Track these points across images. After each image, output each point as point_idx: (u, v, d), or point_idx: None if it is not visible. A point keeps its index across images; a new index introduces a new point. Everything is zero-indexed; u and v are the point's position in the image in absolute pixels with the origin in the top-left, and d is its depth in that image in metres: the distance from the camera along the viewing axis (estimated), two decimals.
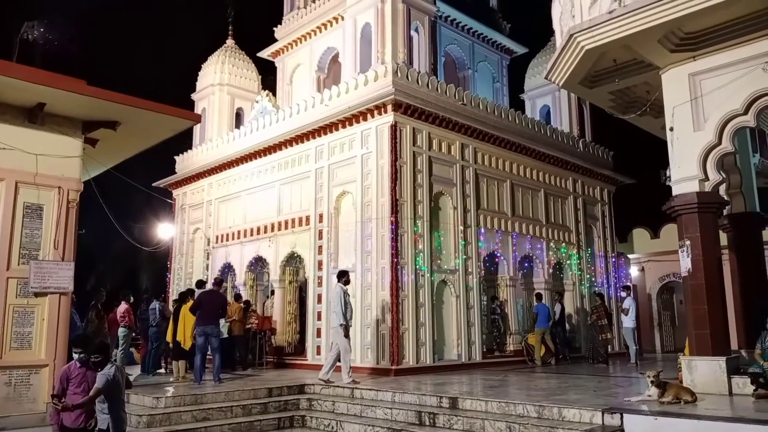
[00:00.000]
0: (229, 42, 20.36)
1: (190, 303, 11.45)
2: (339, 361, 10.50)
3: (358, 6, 14.65)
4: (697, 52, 7.81)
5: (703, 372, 7.62)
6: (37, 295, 7.82)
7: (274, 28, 19.70)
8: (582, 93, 9.76)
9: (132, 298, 13.66)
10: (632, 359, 14.66)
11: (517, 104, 19.69)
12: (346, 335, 10.51)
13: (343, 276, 10.82)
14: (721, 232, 8.78)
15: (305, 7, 18.86)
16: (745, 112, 7.48)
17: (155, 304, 12.93)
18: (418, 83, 13.54)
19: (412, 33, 14.41)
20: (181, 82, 22.43)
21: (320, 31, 18.05)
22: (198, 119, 10.09)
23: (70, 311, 8.55)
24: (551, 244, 16.74)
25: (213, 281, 13.21)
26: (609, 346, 15.60)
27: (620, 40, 7.56)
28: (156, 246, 16.42)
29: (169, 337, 11.95)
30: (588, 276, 17.89)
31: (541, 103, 19.69)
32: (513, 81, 20.00)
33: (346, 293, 10.58)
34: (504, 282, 15.63)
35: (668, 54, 7.86)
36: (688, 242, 7.86)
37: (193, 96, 20.18)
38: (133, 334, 13.89)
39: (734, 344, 8.83)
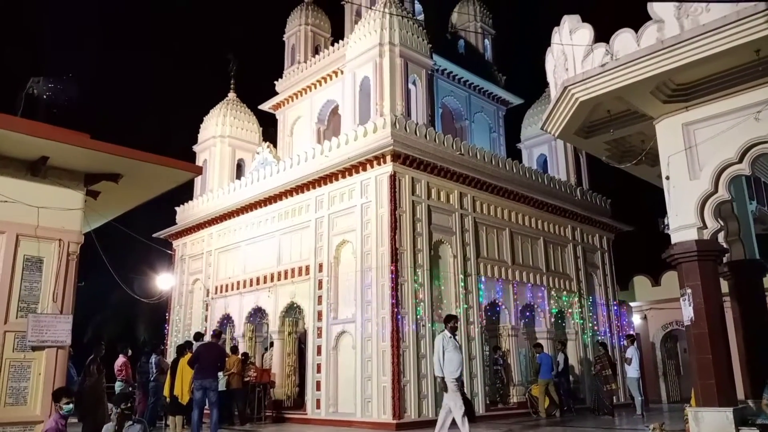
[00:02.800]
0: (231, 95, 20.77)
1: (188, 356, 11.30)
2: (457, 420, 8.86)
3: (357, 60, 15.02)
4: (690, 102, 7.96)
5: (710, 423, 7.46)
6: (34, 349, 7.71)
7: (275, 82, 20.17)
8: (578, 143, 9.90)
9: (130, 351, 13.49)
10: (638, 410, 14.37)
11: (514, 153, 19.95)
12: (446, 389, 8.85)
13: (449, 321, 9.30)
14: (721, 279, 8.76)
15: (305, 62, 19.36)
16: (740, 161, 7.57)
17: (153, 358, 12.76)
18: (416, 134, 13.75)
19: (410, 86, 14.73)
20: (183, 134, 22.79)
21: (320, 85, 18.47)
22: (199, 171, 10.18)
23: (67, 365, 8.43)
24: (552, 292, 16.65)
25: (211, 333, 13.07)
26: (614, 397, 15.31)
27: (613, 92, 7.72)
28: (155, 298, 16.31)
29: (166, 392, 11.73)
30: (590, 325, 17.71)
31: (538, 152, 19.93)
32: (509, 131, 20.35)
33: (448, 341, 8.98)
34: (506, 331, 15.47)
35: (661, 105, 8.02)
36: (689, 290, 7.83)
37: (195, 148, 20.45)
38: (130, 389, 13.64)
39: (740, 394, 8.67)
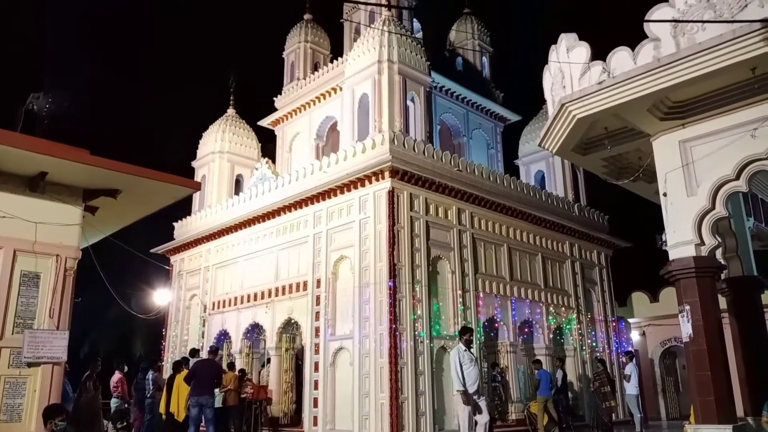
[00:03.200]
0: (230, 111, 20.86)
1: (184, 372, 11.22)
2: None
3: (356, 77, 15.12)
4: (686, 120, 8.01)
5: None
6: (30, 365, 7.65)
7: (275, 98, 20.27)
8: (575, 159, 9.93)
9: (126, 367, 13.40)
10: (637, 428, 14.26)
11: (512, 170, 20.03)
12: (467, 403, 8.58)
13: (464, 334, 9.10)
14: (720, 296, 8.75)
15: (305, 78, 19.47)
16: (737, 178, 7.60)
17: (150, 374, 12.67)
18: (414, 150, 13.80)
19: (408, 103, 14.81)
20: (182, 149, 22.84)
21: (319, 101, 18.56)
22: (198, 187, 10.19)
23: (63, 381, 8.36)
24: (551, 308, 16.62)
25: (208, 349, 13.00)
26: (613, 414, 15.20)
27: (610, 110, 7.77)
28: (152, 314, 16.23)
29: (162, 408, 11.64)
30: (589, 341, 17.66)
31: (536, 169, 20.01)
32: (507, 147, 20.45)
33: (463, 354, 8.77)
34: (504, 348, 15.40)
35: (658, 122, 8.06)
36: (687, 307, 7.82)
37: (194, 163, 20.49)
38: (126, 405, 13.53)
39: (740, 411, 8.63)
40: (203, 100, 31.45)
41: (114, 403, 12.61)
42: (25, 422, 7.56)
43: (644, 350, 21.46)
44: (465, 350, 8.84)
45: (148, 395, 12.40)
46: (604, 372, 15.09)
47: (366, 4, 17.56)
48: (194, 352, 13.21)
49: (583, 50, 8.07)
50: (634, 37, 7.53)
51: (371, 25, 15.81)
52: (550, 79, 9.01)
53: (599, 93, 7.63)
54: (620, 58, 7.59)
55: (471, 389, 8.62)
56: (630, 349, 19.00)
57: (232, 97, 21.09)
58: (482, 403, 8.79)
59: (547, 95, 9.33)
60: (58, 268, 8.04)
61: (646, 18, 7.38)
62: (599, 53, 7.90)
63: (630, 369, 14.64)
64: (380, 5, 16.04)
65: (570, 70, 8.12)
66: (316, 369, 13.62)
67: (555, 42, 8.64)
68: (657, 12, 7.32)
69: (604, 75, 7.63)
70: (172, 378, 11.56)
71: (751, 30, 6.35)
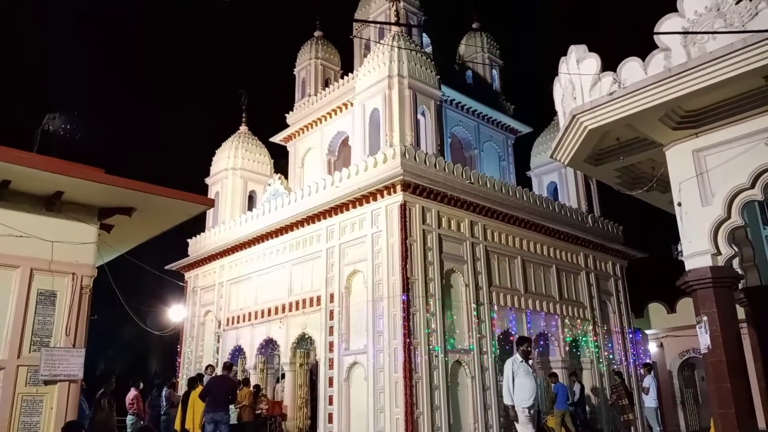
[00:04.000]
0: (243, 128, 21.05)
1: (199, 389, 11.24)
2: None
3: (366, 93, 15.21)
4: (699, 129, 7.94)
5: None
6: (46, 383, 7.72)
7: (286, 114, 20.44)
8: (588, 170, 9.88)
9: (142, 384, 13.45)
10: None
11: (524, 181, 19.98)
12: (516, 419, 8.21)
13: (522, 344, 8.57)
14: (738, 306, 8.62)
15: (316, 94, 19.63)
16: (752, 186, 7.51)
17: (165, 391, 12.71)
18: (425, 164, 13.82)
19: (419, 116, 14.86)
20: (196, 166, 23.07)
21: (330, 117, 18.69)
22: (211, 204, 10.28)
23: (79, 399, 8.42)
24: (566, 320, 16.47)
25: (223, 365, 13.02)
26: (632, 428, 14.99)
27: (622, 120, 7.73)
28: (167, 330, 16.31)
29: (177, 425, 11.65)
30: (605, 353, 17.46)
31: (548, 180, 19.93)
32: (519, 159, 20.42)
33: (519, 365, 8.30)
34: None
35: (670, 131, 8.01)
36: (705, 318, 7.71)
37: (207, 180, 20.66)
38: (141, 422, 13.56)
39: (761, 423, 8.47)
40: (216, 117, 31.80)
41: (130, 420, 12.65)
42: None
43: (662, 362, 21.15)
44: (521, 361, 8.30)
45: (163, 412, 12.43)
46: (621, 384, 14.91)
47: (375, 23, 17.73)
48: (209, 369, 13.23)
49: (593, 61, 8.06)
50: (645, 47, 7.52)
51: (381, 41, 15.93)
52: (560, 91, 9.00)
53: (611, 104, 7.60)
54: (631, 68, 7.57)
55: (526, 403, 8.05)
56: (648, 360, 18.76)
57: (244, 114, 21.30)
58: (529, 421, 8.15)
59: (558, 107, 9.31)
60: (74, 287, 8.11)
61: (655, 29, 7.36)
62: (609, 63, 7.89)
63: (648, 381, 14.45)
64: (389, 24, 16.18)
65: (580, 82, 8.11)
66: (331, 384, 13.58)
67: (565, 53, 8.64)
68: (667, 22, 7.30)
69: (615, 86, 7.61)
70: (187, 395, 11.59)
71: (763, 38, 6.31)
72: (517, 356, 8.40)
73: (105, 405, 10.42)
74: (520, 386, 8.14)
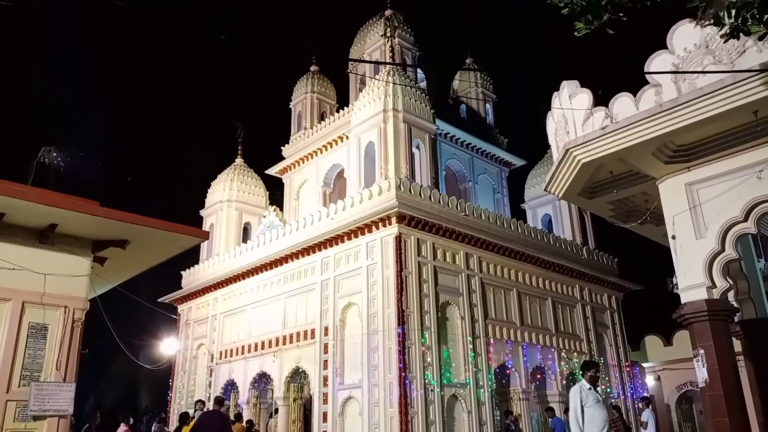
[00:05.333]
0: (238, 160, 21.14)
1: (192, 423, 11.03)
2: None
3: (362, 126, 15.35)
4: (692, 162, 8.02)
5: None
6: (35, 418, 7.56)
7: (282, 147, 20.58)
8: (582, 203, 9.92)
9: (132, 419, 13.19)
10: None
11: (519, 213, 20.05)
12: None
13: (588, 369, 7.82)
14: (734, 339, 8.59)
15: (312, 128, 19.80)
16: (745, 219, 7.55)
17: (155, 426, 12.47)
18: (420, 196, 13.87)
19: (414, 150, 14.98)
20: (191, 198, 23.06)
21: (326, 150, 18.82)
22: (206, 236, 10.24)
23: None
24: (562, 353, 16.34)
25: (214, 400, 12.80)
26: None
27: (615, 154, 7.81)
28: (159, 364, 16.08)
29: None
30: (603, 387, 17.27)
31: (542, 212, 20.01)
32: (513, 191, 20.54)
33: (587, 393, 7.58)
34: (516, 395, 15.09)
35: (663, 165, 8.08)
36: (702, 351, 7.67)
37: (202, 212, 20.65)
38: None
39: None
40: (212, 150, 31.97)
41: None
42: None
43: (660, 395, 20.95)
44: (589, 388, 7.61)
45: None
46: (619, 419, 14.67)
47: (370, 63, 18.00)
48: (199, 404, 13.01)
49: (585, 96, 8.18)
50: (636, 81, 7.64)
51: (376, 76, 16.14)
52: (553, 125, 9.10)
53: (603, 138, 7.68)
54: (623, 103, 7.68)
55: None
56: (646, 394, 18.56)
57: (240, 147, 21.41)
58: None
59: (552, 140, 9.40)
60: (66, 320, 8.01)
61: (646, 66, 7.49)
62: (601, 99, 8.00)
63: (647, 416, 14.27)
64: (384, 63, 16.44)
65: (573, 116, 8.21)
66: (325, 419, 13.37)
67: (557, 88, 8.77)
68: (657, 59, 7.44)
69: (607, 120, 7.71)
70: (178, 430, 11.36)
71: (751, 75, 6.43)
72: (584, 383, 7.66)
73: None
74: (590, 418, 7.39)
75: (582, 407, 7.38)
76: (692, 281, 7.87)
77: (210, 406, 12.87)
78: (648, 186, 8.70)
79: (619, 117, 7.59)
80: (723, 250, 7.70)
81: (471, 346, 13.76)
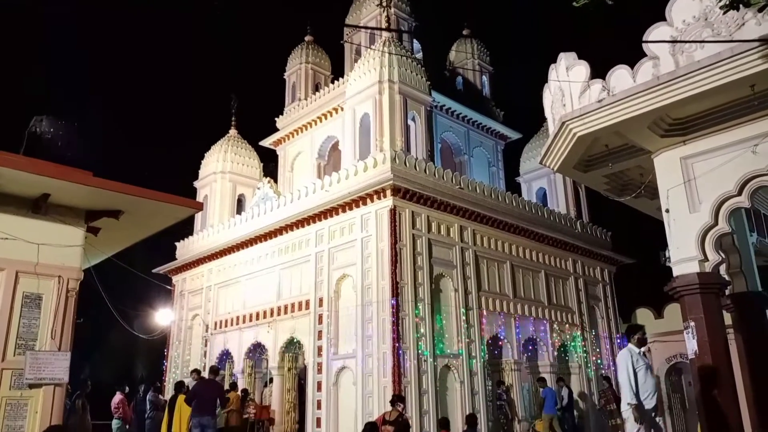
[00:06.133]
0: (232, 131, 20.98)
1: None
2: None
3: (357, 97, 15.21)
4: (687, 136, 8.02)
5: None
6: (31, 386, 7.63)
7: (276, 119, 20.40)
8: (577, 177, 9.93)
9: (127, 388, 13.33)
10: None
11: (514, 187, 20.05)
12: (639, 420, 6.93)
13: (635, 332, 7.54)
14: (725, 312, 8.69)
15: (306, 99, 19.62)
16: (739, 193, 7.59)
17: (151, 395, 12.60)
18: (415, 169, 13.83)
19: (409, 122, 14.89)
20: (184, 170, 22.95)
21: (321, 121, 18.68)
22: (200, 207, 10.21)
23: (64, 402, 8.32)
24: (555, 325, 16.53)
25: (209, 370, 12.93)
26: None
27: (611, 127, 7.79)
28: (154, 334, 16.17)
29: (164, 429, 11.55)
30: (593, 358, 17.53)
31: (537, 186, 20.03)
32: (508, 165, 20.52)
33: (637, 358, 7.25)
34: (508, 366, 15.30)
35: (659, 139, 8.08)
36: (692, 323, 7.76)
37: (196, 184, 20.56)
38: (126, 426, 13.43)
39: (747, 428, 8.53)
40: (205, 121, 31.68)
41: (115, 424, 12.51)
42: None
43: None
44: (639, 353, 7.25)
45: (147, 415, 12.31)
46: (609, 389, 14.97)
47: (366, 29, 17.77)
48: (195, 373, 13.16)
49: (583, 69, 8.12)
50: (634, 54, 7.58)
51: (372, 47, 15.96)
52: (550, 98, 9.05)
53: (599, 111, 7.65)
54: (620, 76, 7.64)
55: (648, 404, 7.06)
56: None
57: (233, 118, 21.23)
58: (660, 424, 7.16)
59: (548, 113, 9.36)
60: (60, 290, 8.03)
61: (644, 38, 7.43)
62: (599, 71, 7.94)
63: None
64: (380, 29, 16.22)
65: (570, 89, 8.16)
66: (319, 389, 13.53)
67: (554, 60, 8.70)
68: (655, 31, 7.37)
69: (604, 93, 7.67)
70: (173, 399, 11.49)
71: (749, 48, 6.39)
72: (633, 347, 7.30)
73: (79, 407, 10.30)
74: (642, 383, 7.07)
75: (634, 371, 7.06)
76: (685, 254, 7.93)
77: (206, 375, 13.01)
78: (643, 159, 8.71)
79: (616, 90, 7.55)
80: (716, 223, 7.75)
81: (464, 318, 13.89)
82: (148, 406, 12.52)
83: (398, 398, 9.69)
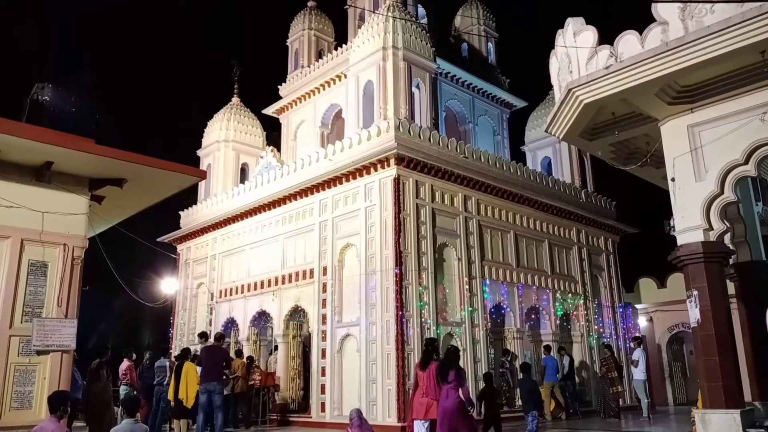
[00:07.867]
0: (235, 100, 20.81)
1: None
2: None
3: (360, 64, 15.02)
4: (695, 104, 7.93)
5: (717, 426, 7.41)
6: (39, 353, 7.73)
7: (279, 86, 20.21)
8: (582, 145, 9.86)
9: (134, 355, 13.50)
10: (645, 413, 14.31)
11: (518, 156, 19.93)
12: None
13: None
14: (728, 281, 8.71)
15: (309, 66, 19.39)
16: (746, 162, 7.54)
17: (163, 361, 12.72)
18: (419, 137, 13.74)
19: (414, 89, 14.72)
20: (187, 138, 22.84)
21: (324, 89, 18.50)
22: (203, 176, 10.19)
23: (72, 369, 8.44)
24: (557, 294, 16.60)
25: (214, 336, 13.07)
26: (620, 400, 15.24)
27: (618, 94, 7.70)
28: (159, 302, 16.33)
29: (170, 395, 11.72)
30: (596, 327, 17.65)
31: (542, 155, 19.89)
32: (513, 133, 20.33)
33: None
34: (511, 334, 15.42)
35: (666, 106, 7.99)
36: (695, 292, 7.79)
37: (199, 152, 20.49)
38: (134, 392, 13.61)
39: (747, 396, 8.62)
40: (208, 89, 31.39)
41: (123, 390, 12.70)
42: (36, 409, 7.64)
43: (651, 336, 21.43)
44: None
45: (164, 382, 12.37)
46: (611, 357, 15.11)
47: None
48: (203, 335, 13.33)
49: (590, 35, 7.99)
50: (642, 20, 7.44)
51: (375, 12, 15.69)
52: (556, 64, 8.93)
53: (606, 77, 7.56)
54: (628, 41, 7.52)
55: None
56: (638, 334, 18.99)
57: (236, 86, 21.03)
58: None
59: (554, 80, 9.24)
60: (66, 258, 8.07)
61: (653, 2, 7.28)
62: (606, 37, 7.81)
63: (638, 354, 14.65)
64: None
65: (577, 55, 8.05)
66: (324, 356, 13.69)
67: (562, 26, 8.55)
68: None
69: (612, 59, 7.56)
70: (180, 366, 11.62)
71: (761, 12, 6.25)
72: None
73: (103, 375, 10.41)
74: None
75: None
76: (689, 223, 7.91)
77: (212, 340, 13.16)
78: (650, 128, 8.63)
79: (624, 56, 7.44)
80: (722, 192, 7.71)
81: (467, 287, 13.95)
82: (168, 372, 12.54)
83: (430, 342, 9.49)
